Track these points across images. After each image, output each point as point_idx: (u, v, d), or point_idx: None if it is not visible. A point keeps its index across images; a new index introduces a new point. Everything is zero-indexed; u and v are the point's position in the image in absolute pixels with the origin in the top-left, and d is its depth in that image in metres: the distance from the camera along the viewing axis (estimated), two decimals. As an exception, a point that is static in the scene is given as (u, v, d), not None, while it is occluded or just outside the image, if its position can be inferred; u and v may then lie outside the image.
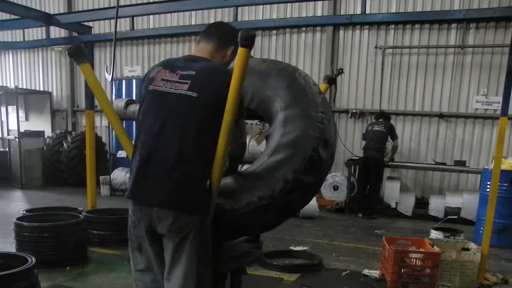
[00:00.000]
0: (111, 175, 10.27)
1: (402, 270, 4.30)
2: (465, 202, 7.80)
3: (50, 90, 13.12)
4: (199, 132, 2.20)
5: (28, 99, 13.15)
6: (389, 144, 8.56)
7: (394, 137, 8.45)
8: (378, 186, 8.33)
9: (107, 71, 8.26)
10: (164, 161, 2.20)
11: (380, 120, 8.44)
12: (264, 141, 2.91)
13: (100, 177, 10.05)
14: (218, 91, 2.18)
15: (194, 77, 2.24)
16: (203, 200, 2.23)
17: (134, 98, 11.36)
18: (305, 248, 5.85)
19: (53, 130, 12.64)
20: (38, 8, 11.41)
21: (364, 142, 8.53)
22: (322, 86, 3.23)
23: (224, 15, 10.32)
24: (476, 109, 8.87)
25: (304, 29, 9.99)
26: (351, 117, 9.64)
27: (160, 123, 2.23)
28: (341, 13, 9.46)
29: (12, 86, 12.10)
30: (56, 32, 10.87)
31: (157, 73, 2.34)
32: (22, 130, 11.22)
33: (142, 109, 2.38)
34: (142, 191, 2.26)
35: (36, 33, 12.47)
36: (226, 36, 2.43)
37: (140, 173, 2.26)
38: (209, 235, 2.28)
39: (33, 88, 13.22)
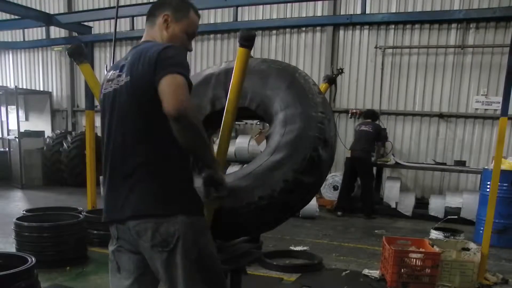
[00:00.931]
0: (111, 175, 10.26)
1: (402, 270, 4.30)
2: (465, 202, 7.79)
3: (50, 90, 13.12)
4: (146, 123, 1.90)
5: (28, 99, 13.15)
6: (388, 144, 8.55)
7: (381, 139, 8.41)
8: (370, 186, 8.30)
9: (107, 70, 8.25)
10: (122, 166, 1.93)
11: (368, 120, 8.39)
12: (264, 141, 2.91)
13: (100, 177, 10.00)
14: (150, 66, 1.85)
15: (129, 63, 1.96)
16: (180, 198, 1.91)
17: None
18: (305, 248, 5.85)
19: (53, 130, 12.64)
20: (38, 8, 11.40)
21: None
22: (322, 86, 3.23)
23: (224, 15, 10.34)
24: (476, 109, 8.87)
25: (304, 29, 9.99)
26: (351, 117, 9.64)
27: (107, 128, 2.01)
28: (341, 13, 9.46)
29: (12, 86, 12.10)
30: (56, 32, 10.90)
31: (105, 78, 2.13)
32: (22, 130, 11.22)
33: (101, 117, 2.12)
34: (111, 207, 2.01)
35: (36, 33, 12.48)
36: (156, 9, 2.14)
37: (106, 189, 2.03)
38: (207, 237, 1.99)
39: (33, 88, 13.22)
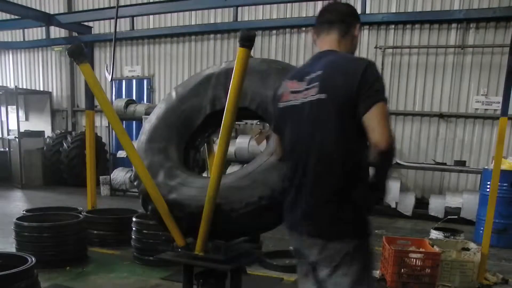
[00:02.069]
0: (111, 175, 10.26)
1: (402, 270, 4.30)
2: (465, 202, 7.79)
3: (50, 90, 13.12)
4: (338, 140, 1.89)
5: (28, 99, 13.15)
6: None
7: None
8: None
9: (107, 70, 8.25)
10: (306, 183, 1.97)
11: None
12: (264, 141, 2.91)
13: (100, 177, 10.05)
14: (350, 83, 1.82)
15: (322, 77, 1.91)
16: (355, 221, 1.92)
17: (134, 98, 11.40)
18: (305, 248, 5.84)
19: (53, 130, 12.64)
20: (38, 8, 11.40)
21: None
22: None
23: (224, 15, 10.33)
24: (476, 109, 8.86)
25: (304, 29, 9.98)
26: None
27: (292, 140, 2.04)
28: (341, 13, 9.44)
29: (12, 86, 12.11)
30: (56, 32, 10.90)
31: (285, 88, 2.09)
32: (22, 130, 11.22)
33: (278, 128, 2.17)
34: (293, 219, 2.07)
35: (36, 33, 12.48)
36: (347, 16, 2.09)
37: (289, 201, 2.08)
38: (371, 261, 2.01)
39: (33, 88, 13.22)
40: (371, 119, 1.79)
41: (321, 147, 1.92)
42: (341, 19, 2.07)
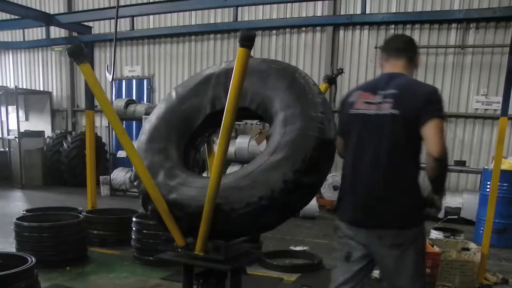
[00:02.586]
0: (111, 175, 10.27)
1: (402, 270, 4.29)
2: (465, 202, 7.80)
3: (50, 90, 13.13)
4: (405, 149, 2.36)
5: (28, 99, 13.15)
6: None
7: None
8: None
9: (107, 70, 8.26)
10: (375, 183, 2.38)
11: None
12: (264, 141, 2.91)
13: (100, 177, 10.06)
14: (417, 102, 2.28)
15: (397, 96, 2.33)
16: (417, 213, 2.43)
17: (134, 98, 11.40)
18: (305, 248, 5.85)
19: (53, 130, 12.64)
20: (38, 8, 11.41)
21: None
22: (322, 86, 3.22)
23: (224, 15, 10.33)
24: (476, 109, 8.87)
25: (304, 29, 9.99)
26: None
27: (358, 145, 2.43)
28: (341, 13, 9.45)
29: (12, 86, 12.11)
30: (56, 32, 10.87)
31: (358, 97, 2.48)
32: (22, 130, 11.23)
33: (345, 132, 2.54)
34: (360, 215, 2.46)
35: (36, 33, 12.48)
36: (410, 47, 2.57)
37: (355, 200, 2.46)
38: (424, 243, 2.54)
39: (33, 88, 13.23)
40: (428, 131, 2.25)
41: (391, 154, 2.36)
42: (406, 50, 2.55)
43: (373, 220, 2.42)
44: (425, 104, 2.26)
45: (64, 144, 11.17)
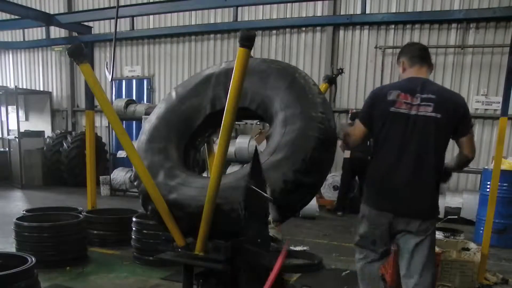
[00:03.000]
0: (111, 175, 10.26)
1: (402, 270, 4.29)
2: (465, 202, 7.79)
3: (50, 90, 13.12)
4: (439, 148, 2.76)
5: (28, 99, 13.15)
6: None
7: None
8: None
9: (107, 68, 8.24)
10: (415, 178, 2.72)
11: None
12: (264, 141, 2.91)
13: (100, 177, 10.05)
14: (458, 112, 2.71)
15: (436, 100, 2.68)
16: (437, 208, 2.88)
17: (134, 98, 11.40)
18: (305, 248, 5.85)
19: (53, 130, 12.64)
20: (38, 8, 11.40)
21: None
22: (322, 86, 3.22)
23: (224, 15, 10.33)
24: (476, 109, 8.86)
25: (304, 29, 9.99)
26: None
27: (402, 141, 2.71)
28: (341, 13, 9.45)
29: (12, 86, 12.11)
30: (56, 32, 10.88)
31: (398, 97, 2.74)
32: (22, 130, 11.22)
33: (378, 126, 2.80)
34: (395, 204, 2.78)
35: (36, 33, 12.48)
36: (429, 55, 2.92)
37: (392, 189, 2.77)
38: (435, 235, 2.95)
39: (33, 88, 13.22)
40: (467, 140, 2.79)
41: (434, 153, 2.73)
42: (428, 57, 2.90)
43: (405, 209, 2.75)
44: (464, 118, 2.74)
45: (64, 144, 11.17)
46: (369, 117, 2.85)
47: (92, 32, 8.83)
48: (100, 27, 11.21)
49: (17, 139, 10.88)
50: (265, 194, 2.16)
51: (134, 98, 11.39)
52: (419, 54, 2.86)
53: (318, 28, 9.86)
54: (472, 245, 4.65)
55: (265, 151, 2.54)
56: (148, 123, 2.95)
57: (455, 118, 2.70)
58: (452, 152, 3.03)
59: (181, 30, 10.70)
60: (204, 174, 3.38)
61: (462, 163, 2.92)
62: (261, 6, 9.93)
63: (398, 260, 3.02)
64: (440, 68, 8.97)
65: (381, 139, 2.80)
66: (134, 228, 5.17)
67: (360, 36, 9.59)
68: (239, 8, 9.22)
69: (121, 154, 10.21)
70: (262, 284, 1.84)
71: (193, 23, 10.82)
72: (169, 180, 2.58)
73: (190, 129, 2.88)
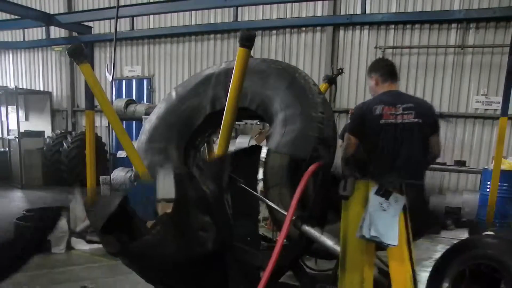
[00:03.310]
0: (111, 175, 10.25)
1: (402, 270, 4.29)
2: (465, 202, 7.79)
3: (50, 90, 13.12)
4: (424, 147, 3.12)
5: (28, 99, 13.15)
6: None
7: None
8: None
9: (107, 69, 8.26)
10: (404, 173, 2.94)
11: None
12: (264, 141, 2.91)
13: (100, 177, 10.04)
14: (432, 116, 3.19)
15: (415, 108, 3.10)
16: (432, 213, 3.34)
17: (134, 98, 11.40)
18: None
19: (53, 130, 12.63)
20: (38, 8, 11.40)
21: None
22: (322, 86, 3.23)
23: (224, 15, 10.34)
24: (476, 109, 8.86)
25: (304, 29, 9.99)
26: (351, 117, 9.62)
27: (394, 145, 3.04)
28: (341, 13, 9.45)
29: (12, 86, 12.11)
30: (56, 32, 10.90)
31: (383, 110, 3.10)
32: (22, 130, 11.21)
33: (378, 138, 3.10)
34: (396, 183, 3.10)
35: (36, 33, 12.48)
36: (396, 71, 3.41)
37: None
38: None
39: (33, 88, 13.22)
40: (435, 140, 3.20)
41: (416, 151, 3.09)
42: (396, 71, 3.37)
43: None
44: (436, 120, 3.21)
45: (64, 144, 11.16)
46: (361, 132, 3.15)
47: (92, 32, 8.87)
48: (100, 27, 11.21)
49: (17, 139, 10.87)
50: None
51: (134, 98, 11.39)
52: (389, 71, 3.30)
53: (318, 28, 9.86)
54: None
55: (265, 151, 2.54)
56: (148, 123, 2.96)
57: (431, 121, 3.15)
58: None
59: (181, 30, 10.70)
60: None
61: (433, 161, 3.33)
62: (261, 6, 9.93)
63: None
64: (440, 68, 8.98)
65: (376, 148, 3.09)
66: (134, 228, 5.16)
67: (360, 36, 9.59)
68: (239, 8, 9.24)
69: (121, 154, 10.20)
70: (251, 282, 1.84)
71: (193, 23, 10.82)
72: (169, 180, 2.58)
73: (190, 129, 2.89)
